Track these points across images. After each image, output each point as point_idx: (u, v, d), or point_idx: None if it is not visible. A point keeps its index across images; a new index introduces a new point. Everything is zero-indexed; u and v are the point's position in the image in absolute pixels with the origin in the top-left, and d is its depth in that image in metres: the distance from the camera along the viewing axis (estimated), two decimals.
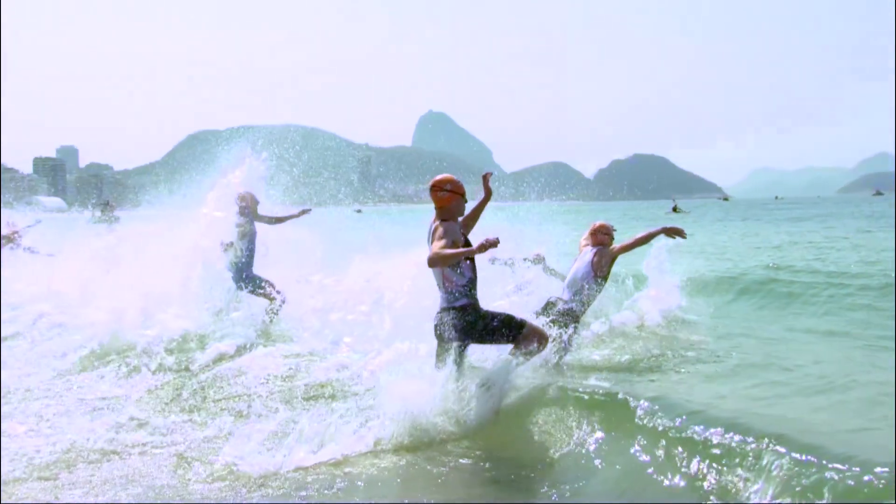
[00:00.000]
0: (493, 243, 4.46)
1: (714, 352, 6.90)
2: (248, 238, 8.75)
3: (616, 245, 6.68)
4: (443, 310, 5.03)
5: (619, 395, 4.61)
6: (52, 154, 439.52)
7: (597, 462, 4.15)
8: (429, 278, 5.21)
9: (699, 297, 9.19)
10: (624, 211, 65.66)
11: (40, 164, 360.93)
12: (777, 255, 16.84)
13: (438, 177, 5.17)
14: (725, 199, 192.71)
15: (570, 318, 6.34)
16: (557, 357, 6.04)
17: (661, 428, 3.99)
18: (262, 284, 8.69)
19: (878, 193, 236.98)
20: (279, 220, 9.15)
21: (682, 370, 6.23)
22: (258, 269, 8.81)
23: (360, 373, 6.21)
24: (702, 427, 3.82)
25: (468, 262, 5.02)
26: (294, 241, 9.50)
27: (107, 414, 5.41)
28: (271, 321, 8.51)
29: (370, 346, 6.64)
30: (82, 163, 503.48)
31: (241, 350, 7.19)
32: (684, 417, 4.00)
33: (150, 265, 9.26)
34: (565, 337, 6.03)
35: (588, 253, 6.66)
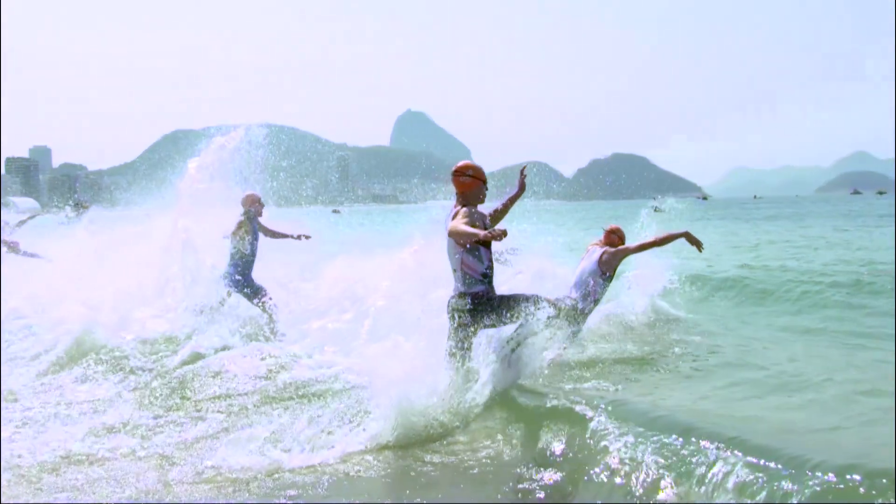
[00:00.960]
0: (496, 235, 4.53)
1: (694, 351, 6.96)
2: (252, 240, 8.62)
3: (633, 243, 6.70)
4: (459, 295, 5.11)
5: (595, 399, 4.61)
6: (25, 154, 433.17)
7: (569, 468, 4.05)
8: (409, 278, 5.20)
9: (679, 296, 9.23)
10: (603, 211, 66.07)
11: (13, 164, 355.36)
12: (755, 253, 17.03)
13: (460, 163, 5.30)
14: (705, 198, 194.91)
15: (577, 314, 6.36)
16: (555, 353, 6.06)
17: (624, 438, 3.88)
18: (260, 292, 8.51)
19: (856, 192, 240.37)
20: (275, 234, 9.00)
21: (663, 370, 6.27)
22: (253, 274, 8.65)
23: (342, 372, 6.18)
24: (662, 434, 3.77)
25: (487, 249, 5.11)
26: (270, 242, 9.38)
27: (89, 416, 5.36)
28: (272, 332, 8.23)
29: (353, 349, 6.58)
30: (55, 163, 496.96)
31: (219, 351, 7.12)
32: (655, 424, 3.95)
33: (129, 262, 9.10)
34: (561, 339, 6.05)
35: (596, 252, 6.67)
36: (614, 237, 6.87)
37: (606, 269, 6.54)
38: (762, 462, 3.22)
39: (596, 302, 6.59)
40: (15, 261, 11.18)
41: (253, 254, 8.61)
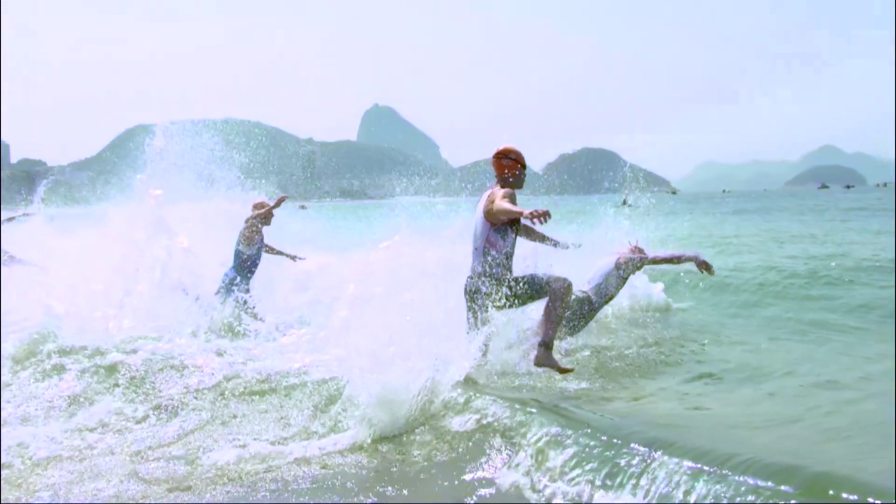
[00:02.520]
0: (539, 214, 4.65)
1: (659, 344, 7.01)
2: (257, 247, 8.50)
3: (650, 254, 6.87)
4: (477, 275, 5.25)
5: (549, 397, 4.73)
6: None
7: (508, 470, 4.00)
8: (381, 278, 5.17)
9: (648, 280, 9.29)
10: (575, 205, 66.07)
11: None
12: (720, 248, 17.23)
13: (502, 146, 5.47)
14: (673, 192, 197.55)
15: (587, 306, 6.49)
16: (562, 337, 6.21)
17: (571, 442, 3.81)
18: (252, 305, 8.31)
19: (824, 186, 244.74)
20: (272, 250, 8.89)
21: (629, 364, 6.29)
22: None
23: (311, 366, 6.14)
24: (607, 438, 3.70)
25: (514, 232, 5.30)
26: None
27: (61, 415, 5.32)
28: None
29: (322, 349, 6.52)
30: (13, 158, 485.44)
31: (186, 348, 6.99)
32: (600, 426, 3.90)
33: (93, 258, 8.89)
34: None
35: (614, 255, 6.82)
36: (636, 251, 7.04)
37: (624, 270, 6.71)
38: (699, 466, 3.17)
39: (609, 297, 6.71)
40: None
41: (258, 260, 8.49)
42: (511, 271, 5.33)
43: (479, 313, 5.26)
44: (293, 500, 3.75)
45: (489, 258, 5.21)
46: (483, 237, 5.23)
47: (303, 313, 8.29)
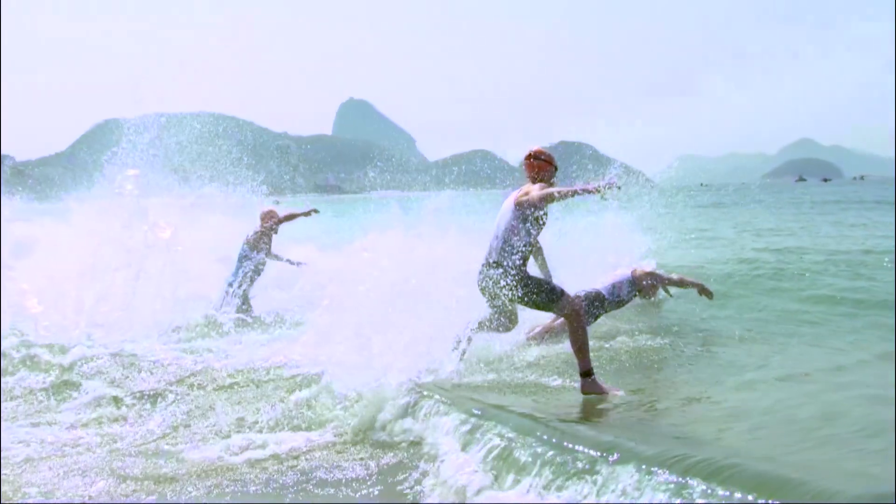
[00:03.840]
0: (611, 186, 4.75)
1: (644, 339, 6.96)
2: (263, 253, 8.50)
3: (665, 274, 7.18)
4: (490, 265, 5.28)
5: (522, 397, 4.77)
6: None
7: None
8: (362, 278, 5.17)
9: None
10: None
11: None
12: (695, 242, 17.39)
13: (534, 147, 5.65)
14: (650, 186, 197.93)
15: (597, 301, 6.62)
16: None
17: (535, 447, 3.72)
18: (249, 310, 8.35)
19: (801, 179, 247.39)
20: (275, 256, 8.93)
21: (606, 359, 6.26)
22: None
23: (287, 363, 6.15)
24: (570, 443, 3.62)
25: (536, 230, 5.36)
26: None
27: (40, 412, 5.31)
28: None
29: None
30: None
31: (161, 345, 6.96)
32: (561, 430, 3.84)
33: (65, 253, 8.76)
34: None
35: (629, 268, 7.08)
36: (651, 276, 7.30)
37: (638, 280, 6.95)
38: (650, 469, 3.12)
39: (620, 302, 6.88)
40: None
41: (262, 266, 8.55)
42: (525, 267, 5.35)
43: (492, 300, 5.35)
44: (279, 494, 3.76)
45: (508, 248, 5.24)
46: (508, 228, 5.28)
47: (287, 316, 8.21)
